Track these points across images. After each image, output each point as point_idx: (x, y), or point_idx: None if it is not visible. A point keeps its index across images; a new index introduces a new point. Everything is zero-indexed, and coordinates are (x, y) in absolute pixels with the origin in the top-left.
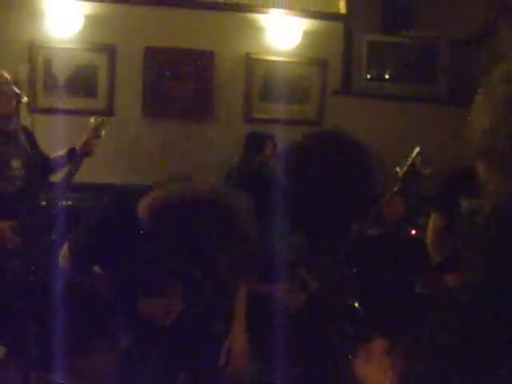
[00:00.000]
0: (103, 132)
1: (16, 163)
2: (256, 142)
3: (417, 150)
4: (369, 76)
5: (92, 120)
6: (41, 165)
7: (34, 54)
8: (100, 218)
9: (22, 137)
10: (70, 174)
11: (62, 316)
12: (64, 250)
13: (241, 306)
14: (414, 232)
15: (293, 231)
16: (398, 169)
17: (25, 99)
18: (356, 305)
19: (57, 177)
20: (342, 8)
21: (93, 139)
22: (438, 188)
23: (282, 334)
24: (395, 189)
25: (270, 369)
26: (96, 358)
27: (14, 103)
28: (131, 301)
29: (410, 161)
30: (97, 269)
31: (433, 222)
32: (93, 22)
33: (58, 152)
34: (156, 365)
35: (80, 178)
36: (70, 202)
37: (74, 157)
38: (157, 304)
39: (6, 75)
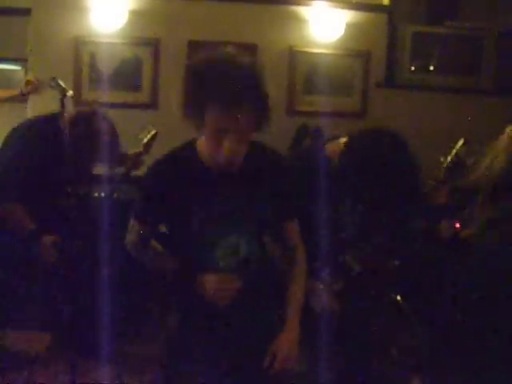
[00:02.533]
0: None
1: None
2: (302, 134)
3: (461, 141)
4: (413, 68)
5: (143, 134)
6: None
7: (80, 49)
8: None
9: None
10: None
11: (109, 302)
12: (130, 229)
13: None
14: (458, 225)
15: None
16: (442, 159)
17: (70, 93)
18: (398, 298)
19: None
20: None
21: (144, 154)
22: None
23: (324, 329)
24: (439, 177)
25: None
26: (137, 347)
27: (60, 96)
28: (189, 276)
29: (454, 151)
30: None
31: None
32: (137, 16)
33: None
34: (210, 356)
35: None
36: (115, 195)
37: (122, 162)
38: (222, 279)
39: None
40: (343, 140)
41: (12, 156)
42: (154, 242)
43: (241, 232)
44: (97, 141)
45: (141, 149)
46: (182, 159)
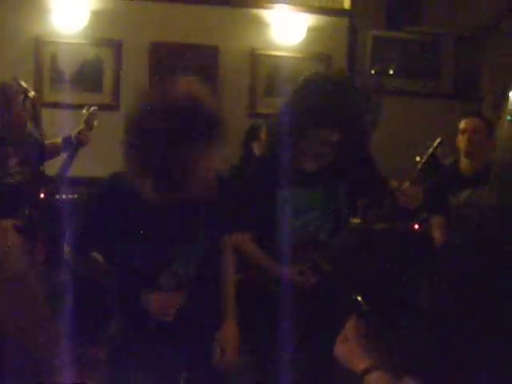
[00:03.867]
0: (95, 123)
1: (12, 160)
2: (252, 132)
3: (438, 140)
4: (373, 71)
5: (84, 111)
6: (36, 152)
7: (41, 49)
8: (97, 193)
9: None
10: (67, 164)
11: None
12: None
13: (232, 292)
14: (416, 226)
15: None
16: (418, 158)
17: (32, 93)
18: (359, 298)
19: (53, 169)
20: (347, 3)
21: (86, 130)
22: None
23: (289, 317)
24: (413, 177)
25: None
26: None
27: (22, 97)
28: (132, 292)
29: (430, 150)
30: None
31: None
32: (98, 17)
33: (53, 140)
34: (156, 363)
35: (82, 171)
36: (69, 197)
37: (70, 146)
38: (166, 298)
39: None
40: None
41: None
42: (94, 255)
43: (181, 255)
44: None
45: (83, 126)
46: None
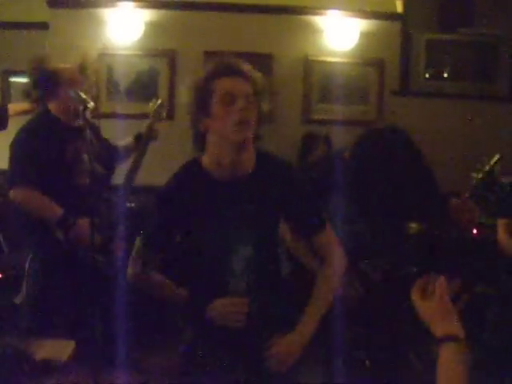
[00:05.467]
0: (164, 114)
1: (85, 157)
2: (309, 143)
3: (496, 157)
4: (427, 75)
5: (151, 104)
6: (107, 156)
7: (97, 62)
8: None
9: (89, 132)
10: (137, 161)
11: (126, 311)
12: (132, 260)
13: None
14: (475, 231)
15: (356, 220)
16: (474, 174)
17: (91, 104)
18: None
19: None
20: (399, 7)
21: (155, 122)
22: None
23: (337, 328)
24: (467, 194)
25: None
26: (160, 356)
27: (82, 108)
28: (201, 302)
29: (487, 168)
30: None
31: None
32: (153, 28)
33: (124, 140)
34: (223, 371)
35: (138, 180)
36: (132, 205)
37: (140, 141)
38: (234, 303)
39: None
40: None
41: (26, 147)
42: (156, 274)
43: (253, 244)
44: None
45: (151, 119)
46: (186, 179)
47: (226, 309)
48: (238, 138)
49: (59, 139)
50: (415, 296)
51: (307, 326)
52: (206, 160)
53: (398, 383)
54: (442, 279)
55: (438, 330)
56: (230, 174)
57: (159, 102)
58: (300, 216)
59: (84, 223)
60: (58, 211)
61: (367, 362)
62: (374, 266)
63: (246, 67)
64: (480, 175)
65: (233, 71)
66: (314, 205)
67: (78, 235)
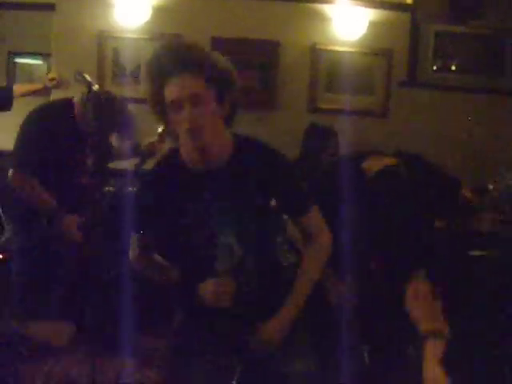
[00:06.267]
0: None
1: (89, 161)
2: (318, 137)
3: None
4: (435, 67)
5: (160, 130)
6: (106, 154)
7: (103, 44)
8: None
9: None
10: (136, 170)
11: (126, 297)
12: (132, 245)
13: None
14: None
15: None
16: (490, 186)
17: (96, 86)
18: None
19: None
20: None
21: (159, 143)
22: None
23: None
24: (483, 205)
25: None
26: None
27: (86, 91)
28: (190, 284)
29: (505, 181)
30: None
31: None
32: (160, 12)
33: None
34: (211, 354)
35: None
36: (111, 188)
37: (138, 155)
38: (221, 284)
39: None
40: (386, 161)
41: (31, 132)
42: (156, 256)
43: (235, 230)
44: (118, 117)
45: (156, 138)
46: (165, 167)
47: (213, 289)
48: (193, 144)
49: (69, 135)
50: (408, 298)
51: (289, 312)
52: (180, 150)
53: (396, 378)
54: (428, 284)
55: (424, 326)
56: (201, 162)
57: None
58: (287, 197)
59: (72, 220)
60: (50, 204)
61: (366, 356)
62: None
63: (195, 54)
64: (495, 187)
65: (179, 67)
66: (301, 186)
67: (62, 230)
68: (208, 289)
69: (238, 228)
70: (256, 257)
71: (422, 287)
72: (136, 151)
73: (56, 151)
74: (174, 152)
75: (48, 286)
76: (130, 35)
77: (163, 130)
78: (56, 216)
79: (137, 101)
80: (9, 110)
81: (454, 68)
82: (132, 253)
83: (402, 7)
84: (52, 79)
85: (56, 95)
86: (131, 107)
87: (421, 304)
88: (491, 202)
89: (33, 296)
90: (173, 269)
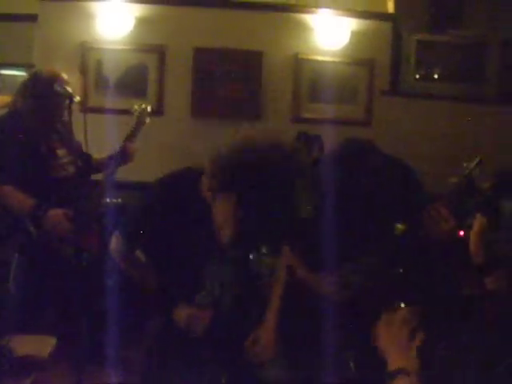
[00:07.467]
0: (148, 119)
1: (62, 152)
2: (304, 143)
3: (476, 160)
4: (417, 76)
5: (136, 106)
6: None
7: (86, 55)
8: (150, 197)
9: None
10: (107, 178)
11: (110, 307)
12: (113, 241)
13: (278, 290)
14: (461, 233)
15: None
16: (452, 179)
17: (77, 98)
18: (402, 305)
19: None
20: (390, 7)
21: (129, 143)
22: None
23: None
24: (445, 199)
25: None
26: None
27: (67, 102)
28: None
29: (466, 172)
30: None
31: (477, 223)
32: (143, 23)
33: (100, 155)
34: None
35: (126, 176)
36: (114, 200)
37: (112, 161)
38: (196, 314)
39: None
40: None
41: None
42: (138, 253)
43: (225, 259)
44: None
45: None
46: (180, 192)
47: (190, 318)
48: None
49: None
50: (380, 325)
51: (272, 317)
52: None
53: None
54: (403, 312)
55: (393, 363)
56: None
57: (143, 106)
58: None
59: (56, 213)
60: (29, 203)
61: (352, 363)
62: (353, 270)
63: None
64: (457, 180)
65: None
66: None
67: (50, 225)
68: (182, 315)
69: (226, 261)
70: (237, 288)
71: (397, 316)
72: (109, 159)
73: (22, 151)
74: (188, 177)
75: (39, 300)
76: (113, 46)
77: (141, 109)
78: (39, 212)
79: (120, 112)
80: None
81: (436, 76)
82: (113, 245)
83: (384, 17)
84: None
85: None
86: (114, 119)
87: (392, 336)
88: (450, 197)
89: (23, 310)
90: (153, 274)
